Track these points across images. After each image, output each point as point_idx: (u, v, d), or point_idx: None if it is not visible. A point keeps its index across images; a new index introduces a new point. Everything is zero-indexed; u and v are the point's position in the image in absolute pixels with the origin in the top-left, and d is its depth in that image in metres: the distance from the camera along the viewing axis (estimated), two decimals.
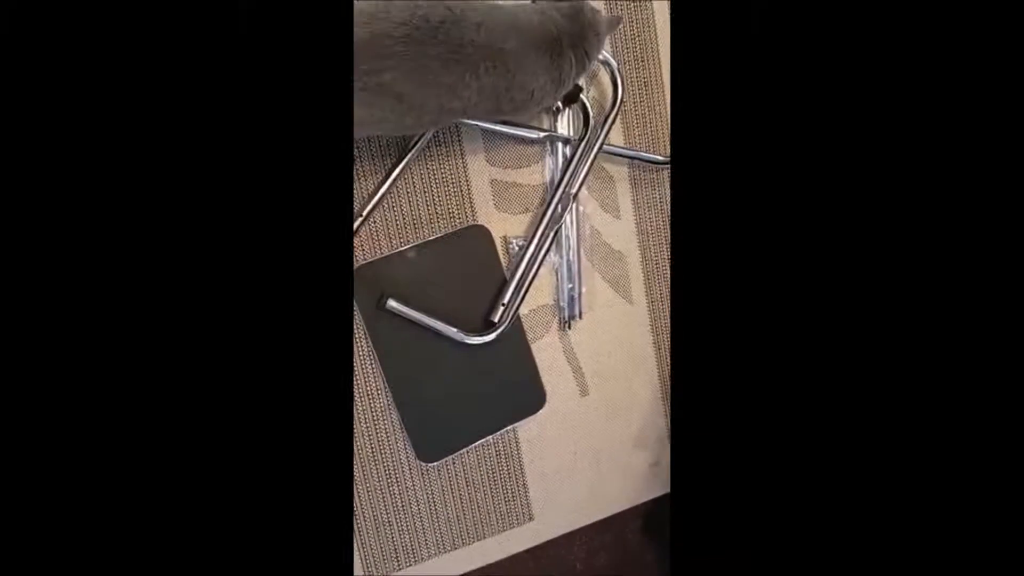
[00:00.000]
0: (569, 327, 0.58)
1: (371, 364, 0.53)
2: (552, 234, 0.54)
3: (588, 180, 0.55)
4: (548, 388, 0.58)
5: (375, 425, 0.54)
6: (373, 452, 0.54)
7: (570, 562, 0.62)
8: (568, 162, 0.55)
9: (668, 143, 0.59)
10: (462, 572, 0.58)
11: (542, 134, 0.54)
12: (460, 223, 0.54)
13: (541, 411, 0.58)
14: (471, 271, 0.54)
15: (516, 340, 0.56)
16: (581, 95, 0.53)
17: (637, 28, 0.57)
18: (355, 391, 0.53)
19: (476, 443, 0.56)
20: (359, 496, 0.54)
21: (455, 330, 0.52)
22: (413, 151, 0.51)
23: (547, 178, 0.56)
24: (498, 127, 0.53)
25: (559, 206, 0.54)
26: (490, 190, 0.54)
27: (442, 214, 0.53)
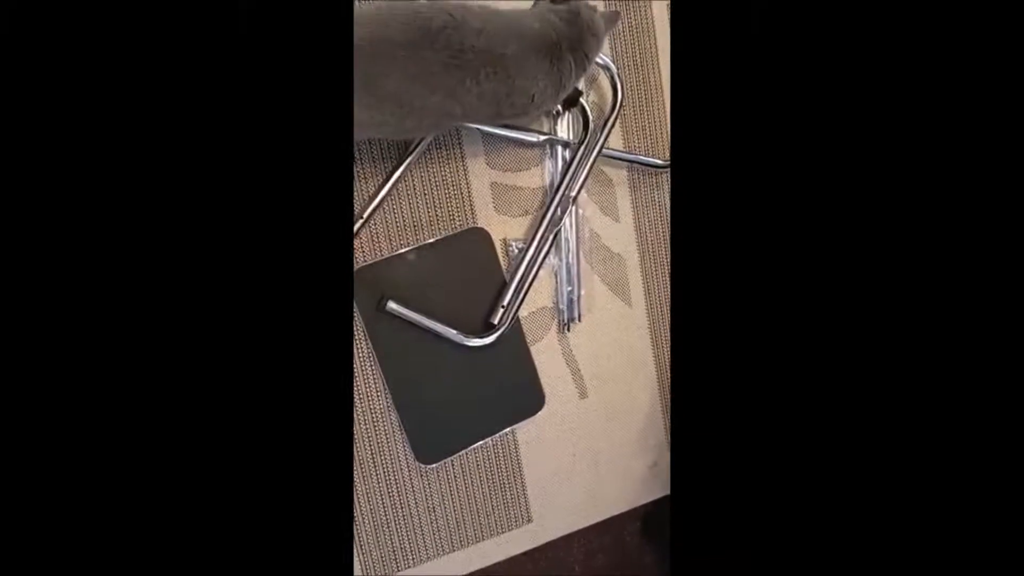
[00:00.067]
0: (568, 329, 0.58)
1: (371, 366, 0.53)
2: (552, 237, 0.55)
3: (588, 183, 0.56)
4: (547, 390, 0.58)
5: (375, 427, 0.54)
6: (372, 454, 0.54)
7: (568, 564, 0.63)
8: (568, 165, 0.55)
9: (667, 147, 0.59)
10: (461, 574, 0.58)
11: (542, 137, 0.54)
12: (460, 226, 0.54)
13: (540, 413, 0.58)
14: (471, 273, 0.54)
15: (515, 342, 0.56)
16: (581, 99, 0.54)
17: (636, 33, 0.57)
18: (355, 393, 0.53)
19: (475, 445, 0.56)
20: (358, 497, 0.54)
21: (455, 332, 0.52)
22: (414, 154, 0.51)
23: (547, 181, 0.56)
24: (498, 131, 0.53)
25: (559, 209, 0.55)
26: (490, 193, 0.55)
27: (442, 217, 0.54)
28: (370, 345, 0.52)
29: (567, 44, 0.44)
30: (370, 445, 0.54)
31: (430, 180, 0.53)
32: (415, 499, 0.56)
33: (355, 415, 0.53)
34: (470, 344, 0.53)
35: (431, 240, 0.53)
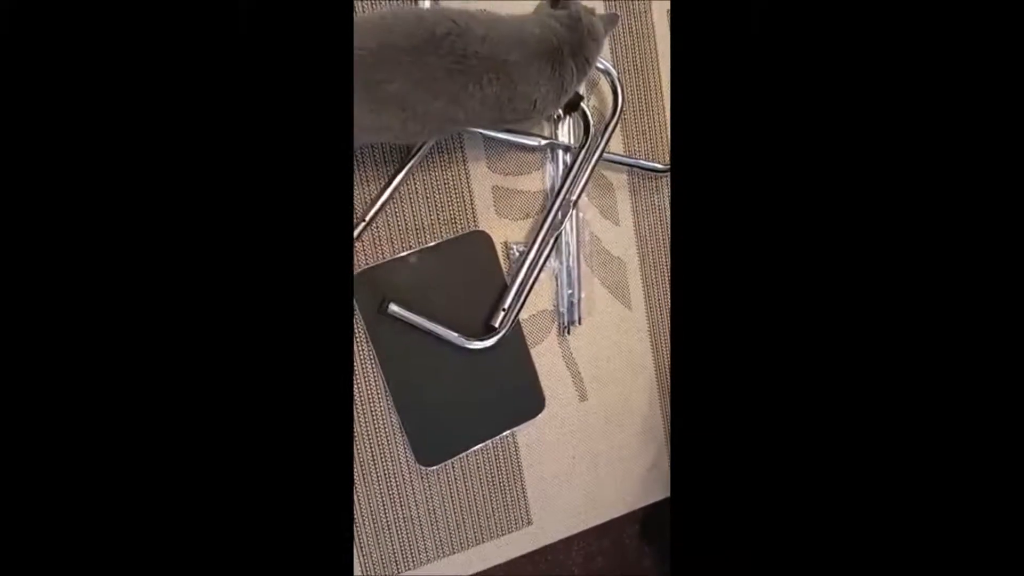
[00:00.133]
0: (568, 332, 0.59)
1: (372, 367, 0.53)
2: (552, 240, 0.55)
3: (588, 187, 0.56)
4: (547, 393, 0.58)
5: (375, 428, 0.54)
6: (373, 455, 0.54)
7: (568, 566, 0.63)
8: (568, 169, 0.55)
9: (667, 151, 0.60)
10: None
11: (543, 142, 0.55)
12: (461, 228, 0.54)
13: (540, 416, 0.58)
14: (472, 276, 0.54)
15: (516, 345, 0.56)
16: (582, 104, 0.54)
17: (637, 38, 0.58)
18: (356, 394, 0.53)
19: (476, 447, 0.56)
20: (359, 499, 0.54)
21: (456, 334, 0.53)
22: (416, 157, 0.52)
23: (548, 185, 0.56)
24: (500, 135, 0.53)
25: (559, 212, 0.55)
26: (491, 196, 0.55)
27: (444, 220, 0.54)
28: (371, 347, 0.53)
29: (568, 49, 0.45)
30: (370, 446, 0.54)
31: (432, 183, 0.53)
32: (415, 501, 0.56)
33: (356, 416, 0.54)
34: (471, 347, 0.53)
35: (433, 243, 0.53)
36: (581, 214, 0.57)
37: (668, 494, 0.65)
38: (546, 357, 0.58)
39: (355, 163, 0.51)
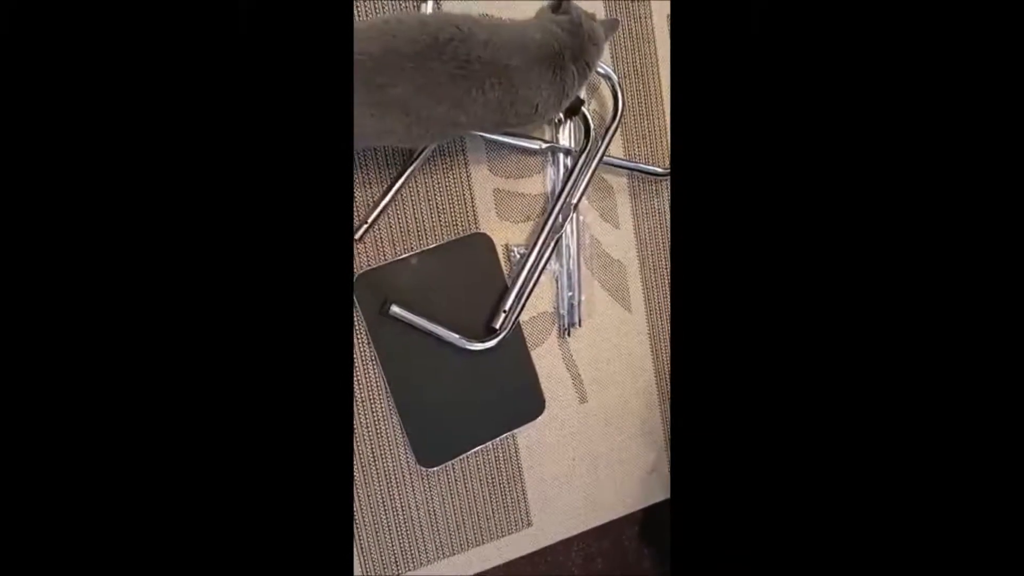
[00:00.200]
0: (568, 334, 0.59)
1: (374, 368, 0.53)
2: (553, 243, 0.55)
3: (588, 190, 0.56)
4: (547, 395, 0.58)
5: (376, 429, 0.54)
6: (374, 456, 0.55)
7: (567, 568, 0.63)
8: (569, 173, 0.56)
9: (667, 155, 0.60)
10: None
11: (544, 145, 0.55)
12: (463, 231, 0.55)
13: (540, 417, 0.58)
14: (473, 278, 0.54)
15: (516, 347, 0.56)
16: (582, 108, 0.55)
17: (637, 43, 0.58)
18: (357, 395, 0.54)
19: (476, 448, 0.56)
20: (359, 499, 0.55)
21: (457, 336, 0.53)
22: (418, 160, 0.52)
23: (548, 188, 0.57)
24: (501, 138, 0.54)
25: (560, 215, 0.55)
26: (493, 199, 0.55)
27: (446, 222, 0.54)
28: (373, 348, 0.53)
29: (569, 54, 0.45)
30: (371, 447, 0.54)
31: (434, 186, 0.54)
32: (416, 502, 0.56)
33: (357, 417, 0.54)
34: (472, 348, 0.53)
35: (434, 245, 0.54)
36: (581, 217, 0.58)
37: (668, 496, 0.65)
38: (546, 359, 0.58)
39: (358, 166, 0.51)
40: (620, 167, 0.58)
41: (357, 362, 0.53)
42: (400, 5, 0.51)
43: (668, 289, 0.62)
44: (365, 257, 0.52)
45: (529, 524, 0.60)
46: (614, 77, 0.56)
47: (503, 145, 0.55)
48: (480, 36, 0.41)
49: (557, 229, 0.55)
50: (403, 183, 0.52)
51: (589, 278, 0.59)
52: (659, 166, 0.60)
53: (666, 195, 0.61)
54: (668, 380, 0.63)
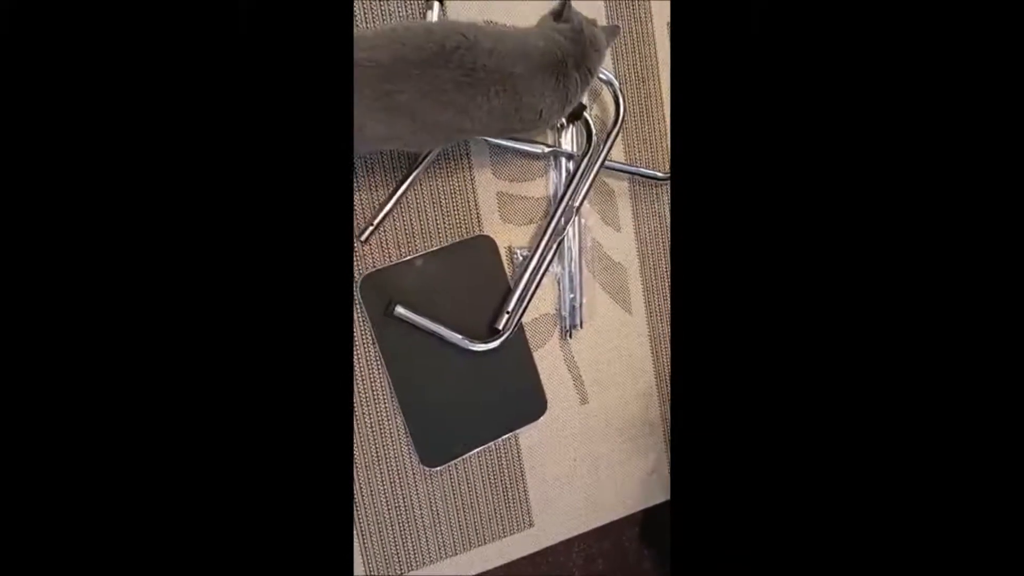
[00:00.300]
0: (570, 336, 0.59)
1: (378, 368, 0.54)
2: (555, 245, 0.56)
3: (590, 194, 0.57)
4: (549, 395, 0.59)
5: (380, 429, 0.55)
6: (377, 455, 0.55)
7: (568, 568, 0.63)
8: (571, 176, 0.56)
9: (667, 159, 0.61)
10: None
11: (547, 149, 0.56)
12: (467, 233, 0.55)
13: (542, 418, 0.59)
14: (477, 280, 0.55)
15: (519, 348, 0.57)
16: (584, 113, 0.55)
17: (638, 48, 0.59)
18: (362, 395, 0.54)
19: (478, 449, 0.57)
20: (362, 498, 0.55)
21: (460, 337, 0.54)
22: (423, 164, 0.53)
23: (551, 191, 0.58)
24: (505, 142, 0.55)
25: (562, 218, 0.56)
26: (496, 202, 0.56)
27: (450, 224, 0.55)
28: (377, 348, 0.53)
29: (572, 61, 0.46)
30: (375, 447, 0.55)
31: (438, 189, 0.55)
32: (418, 502, 0.56)
33: (361, 417, 0.54)
34: (475, 349, 0.54)
35: (438, 247, 0.54)
36: (583, 220, 0.58)
37: (668, 497, 0.65)
38: (548, 360, 0.59)
39: (364, 169, 0.52)
40: (621, 171, 0.59)
41: (362, 362, 0.54)
42: (405, 8, 0.52)
43: (668, 291, 0.63)
44: (370, 259, 0.53)
45: (531, 524, 0.61)
46: (615, 83, 0.57)
47: (506, 149, 0.55)
48: (485, 44, 0.42)
49: (559, 232, 0.56)
50: (408, 186, 0.53)
51: (590, 280, 0.60)
52: (660, 170, 0.60)
53: (666, 199, 0.62)
54: (668, 382, 0.64)
